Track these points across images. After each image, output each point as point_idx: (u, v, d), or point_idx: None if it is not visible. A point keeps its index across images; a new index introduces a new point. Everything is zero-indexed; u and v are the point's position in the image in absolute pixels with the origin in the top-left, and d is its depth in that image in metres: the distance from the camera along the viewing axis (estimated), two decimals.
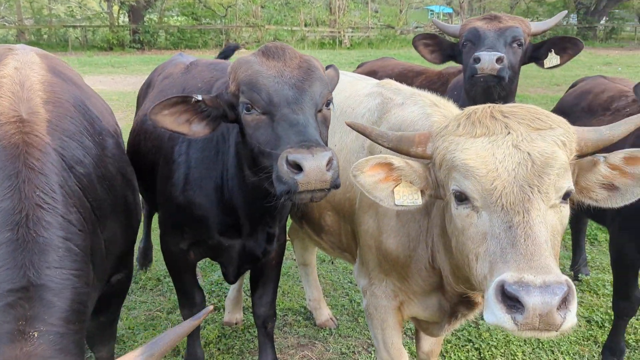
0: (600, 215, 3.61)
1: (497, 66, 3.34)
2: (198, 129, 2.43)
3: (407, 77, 4.76)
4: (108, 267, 2.48)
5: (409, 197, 2.02)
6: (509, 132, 1.78)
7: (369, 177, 2.03)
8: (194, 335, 3.46)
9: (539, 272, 1.51)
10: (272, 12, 37.03)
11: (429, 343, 3.21)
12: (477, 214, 1.75)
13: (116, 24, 31.71)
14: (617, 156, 1.87)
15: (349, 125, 2.22)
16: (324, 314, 4.19)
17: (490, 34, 3.58)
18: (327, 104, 2.43)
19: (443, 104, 2.71)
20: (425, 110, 2.60)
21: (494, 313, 1.55)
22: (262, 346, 3.44)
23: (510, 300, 1.50)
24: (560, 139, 1.79)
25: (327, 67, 2.75)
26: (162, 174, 2.99)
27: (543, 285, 1.48)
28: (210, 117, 2.44)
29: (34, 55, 2.59)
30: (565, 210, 1.78)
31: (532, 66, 3.99)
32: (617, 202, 1.89)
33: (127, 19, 32.60)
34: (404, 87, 2.98)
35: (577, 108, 3.97)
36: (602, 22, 39.06)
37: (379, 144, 2.13)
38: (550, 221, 1.68)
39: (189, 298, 3.30)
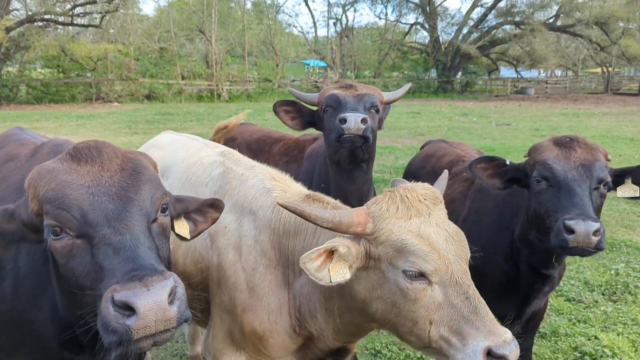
0: None
1: (363, 126, 3.40)
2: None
3: (265, 143, 4.72)
4: None
5: (341, 273, 2.11)
6: (430, 214, 2.09)
7: (315, 262, 2.09)
8: None
9: (507, 341, 1.88)
10: (147, 65, 36.20)
11: None
12: (431, 287, 1.99)
13: None
14: None
15: (281, 205, 2.13)
16: (197, 349, 4.25)
17: (350, 99, 3.67)
18: (164, 210, 2.01)
19: (281, 177, 2.77)
20: (265, 185, 2.66)
21: None
22: None
23: (491, 357, 1.86)
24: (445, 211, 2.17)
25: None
26: None
27: (512, 342, 1.88)
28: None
29: None
30: None
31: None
32: None
33: None
34: (244, 159, 3.05)
35: (423, 171, 4.17)
36: (458, 76, 43.35)
37: (318, 225, 2.16)
38: None
39: None
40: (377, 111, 3.77)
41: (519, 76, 48.36)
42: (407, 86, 4.40)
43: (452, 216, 3.56)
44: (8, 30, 27.88)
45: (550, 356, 4.33)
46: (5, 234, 1.95)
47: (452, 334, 1.95)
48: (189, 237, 2.29)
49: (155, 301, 1.60)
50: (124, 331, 1.60)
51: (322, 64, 48.91)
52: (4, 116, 23.17)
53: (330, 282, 2.08)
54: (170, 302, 1.65)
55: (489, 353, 1.87)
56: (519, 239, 3.02)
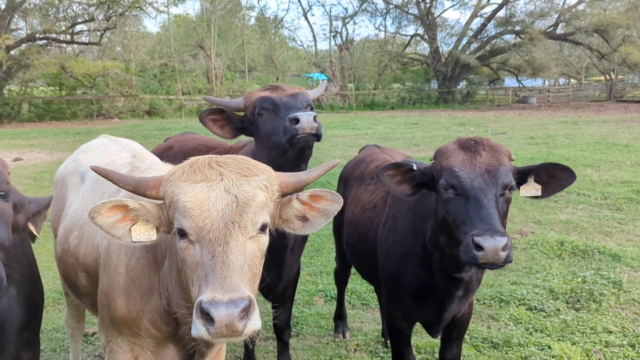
0: (378, 282, 3.65)
1: (315, 124, 3.31)
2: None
3: (200, 152, 4.62)
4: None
5: (145, 234, 2.24)
6: (222, 179, 2.10)
7: (107, 218, 2.19)
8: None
9: (227, 292, 1.85)
10: (149, 81, 36.51)
11: None
12: (192, 247, 2.05)
13: None
14: (305, 194, 2.32)
15: (93, 169, 2.28)
16: None
17: (288, 99, 3.56)
18: (4, 197, 2.34)
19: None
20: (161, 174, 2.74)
21: (196, 327, 1.87)
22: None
23: (207, 315, 1.83)
24: (263, 183, 2.16)
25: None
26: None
27: (229, 301, 1.82)
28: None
29: None
30: (263, 239, 2.14)
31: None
32: (308, 230, 2.36)
33: None
34: (152, 159, 3.32)
35: (353, 176, 4.11)
36: (460, 86, 43.27)
37: (120, 187, 2.28)
38: (249, 249, 2.04)
39: None
40: (312, 108, 3.69)
41: (521, 85, 48.16)
42: (324, 82, 4.31)
43: (374, 222, 3.51)
44: (9, 49, 28.24)
45: None
46: None
47: (198, 294, 1.97)
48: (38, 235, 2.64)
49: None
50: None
51: (324, 77, 49.10)
52: (2, 134, 23.41)
53: (132, 241, 2.22)
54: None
55: (202, 309, 1.87)
56: (430, 243, 2.92)
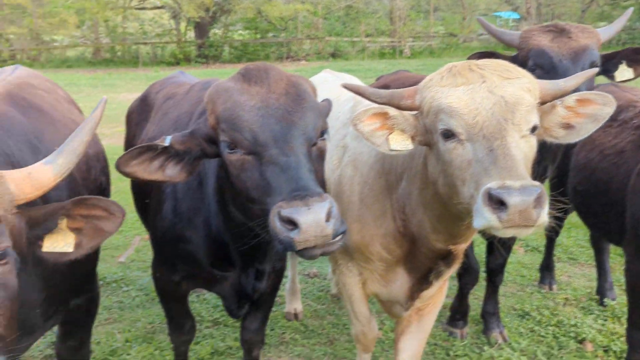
0: (617, 236, 3.32)
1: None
2: (172, 173, 2.21)
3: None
4: (62, 290, 2.47)
5: (401, 143, 2.25)
6: (484, 81, 2.04)
7: (367, 125, 2.24)
8: (183, 355, 3.45)
9: (517, 179, 1.78)
10: (334, 23, 37.29)
11: (408, 354, 3.13)
12: (462, 146, 2.02)
13: (183, 39, 33.11)
14: (571, 99, 2.17)
15: (344, 86, 2.39)
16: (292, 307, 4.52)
17: (565, 62, 3.02)
18: (322, 135, 2.20)
19: None
20: None
21: (482, 215, 1.80)
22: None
23: (496, 203, 1.76)
24: (526, 86, 2.07)
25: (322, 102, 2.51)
26: (152, 205, 2.92)
27: (521, 187, 1.74)
28: (185, 160, 2.23)
29: (3, 84, 2.69)
30: (533, 141, 2.06)
31: None
32: (573, 138, 2.22)
33: (193, 35, 33.98)
34: None
35: None
36: None
37: (373, 101, 2.31)
38: (522, 148, 1.95)
39: (178, 326, 3.26)
40: (597, 66, 3.04)
41: None
42: (628, 11, 3.55)
43: (620, 169, 3.16)
44: None
45: None
46: (189, 151, 2.23)
47: (475, 190, 1.92)
48: None
49: (315, 219, 1.83)
50: (288, 242, 1.86)
51: (516, 15, 44.97)
52: (210, 74, 26.15)
53: (390, 149, 2.24)
54: (327, 220, 1.86)
55: (490, 197, 1.78)
56: None
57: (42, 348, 4.02)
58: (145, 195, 3.06)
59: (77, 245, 1.96)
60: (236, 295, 2.93)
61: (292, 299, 4.52)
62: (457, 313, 4.15)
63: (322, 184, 2.20)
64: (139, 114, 3.81)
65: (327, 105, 2.46)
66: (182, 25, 33.68)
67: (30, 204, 1.86)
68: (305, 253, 1.91)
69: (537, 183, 1.78)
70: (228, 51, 33.71)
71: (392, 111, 2.22)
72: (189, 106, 2.98)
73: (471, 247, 4.06)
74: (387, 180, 2.59)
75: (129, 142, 3.91)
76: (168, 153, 2.19)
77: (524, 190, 1.72)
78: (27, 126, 2.50)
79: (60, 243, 1.93)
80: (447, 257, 2.59)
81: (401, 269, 2.73)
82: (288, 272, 4.63)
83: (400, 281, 2.77)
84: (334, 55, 34.42)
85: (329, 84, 3.79)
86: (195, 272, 2.86)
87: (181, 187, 2.67)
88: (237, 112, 2.06)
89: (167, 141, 2.17)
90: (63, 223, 1.92)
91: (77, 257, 1.98)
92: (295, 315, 4.47)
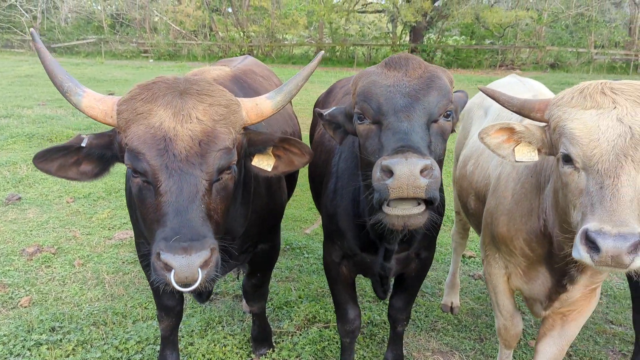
0: None
1: None
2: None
3: None
4: (254, 233, 3.08)
5: (527, 154, 2.36)
6: (615, 107, 2.02)
7: (494, 138, 2.39)
8: (348, 351, 3.57)
9: (616, 225, 1.83)
10: (558, 31, 34.60)
11: (547, 358, 3.11)
12: (577, 173, 2.06)
13: (397, 43, 34.14)
14: None
15: (480, 89, 2.57)
16: (449, 300, 4.67)
17: None
18: (447, 116, 2.34)
19: None
20: None
21: (578, 251, 1.92)
22: (391, 341, 3.66)
23: (592, 243, 1.86)
24: None
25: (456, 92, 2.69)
26: (324, 185, 3.19)
27: (617, 234, 1.81)
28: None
29: (226, 69, 3.36)
30: None
31: None
32: None
33: (408, 39, 34.80)
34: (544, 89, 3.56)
35: None
36: None
37: (505, 107, 2.45)
38: (638, 186, 1.92)
39: (342, 313, 3.38)
40: None
41: None
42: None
43: None
44: (433, 0, 31.32)
45: None
46: (339, 124, 2.64)
47: (580, 221, 2.00)
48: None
49: (410, 169, 1.95)
50: (383, 189, 2.01)
51: None
52: None
53: (515, 160, 2.35)
54: (423, 175, 1.97)
55: (587, 237, 1.86)
56: None
57: (236, 289, 4.91)
58: (321, 178, 3.35)
59: (274, 168, 2.51)
60: (380, 279, 3.18)
61: (450, 292, 4.69)
62: None
63: (438, 158, 2.30)
64: (322, 105, 4.36)
65: (463, 95, 2.66)
66: (399, 28, 34.70)
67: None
68: (394, 220, 2.06)
69: (636, 231, 1.81)
70: (440, 56, 33.73)
71: (517, 127, 2.33)
72: None
73: None
74: (538, 180, 2.66)
75: (312, 130, 4.52)
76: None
77: (618, 237, 1.80)
78: None
79: (264, 162, 2.50)
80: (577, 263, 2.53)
81: (543, 268, 2.77)
82: (450, 267, 4.83)
83: (541, 280, 2.81)
84: (553, 66, 32.01)
85: (512, 86, 3.87)
86: (350, 253, 3.06)
87: (341, 165, 3.00)
88: (370, 88, 2.31)
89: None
90: (269, 149, 2.48)
91: (273, 175, 2.56)
92: (452, 309, 4.64)
